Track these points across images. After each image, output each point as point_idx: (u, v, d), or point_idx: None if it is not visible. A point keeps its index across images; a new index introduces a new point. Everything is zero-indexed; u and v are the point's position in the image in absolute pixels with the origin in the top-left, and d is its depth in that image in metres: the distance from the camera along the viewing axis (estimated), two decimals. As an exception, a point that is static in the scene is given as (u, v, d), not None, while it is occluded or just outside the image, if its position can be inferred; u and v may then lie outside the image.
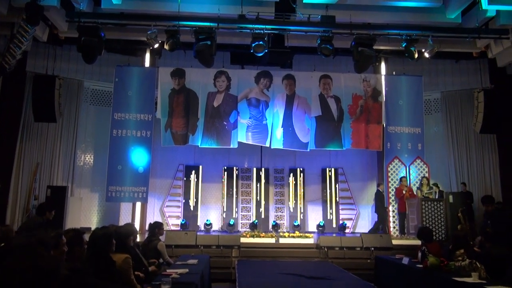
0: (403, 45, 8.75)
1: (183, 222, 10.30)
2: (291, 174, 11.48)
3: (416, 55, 8.73)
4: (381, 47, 9.88)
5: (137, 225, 9.60)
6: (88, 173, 10.93)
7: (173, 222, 10.98)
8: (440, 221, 8.77)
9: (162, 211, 11.13)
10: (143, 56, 10.74)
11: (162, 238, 6.35)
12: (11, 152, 9.67)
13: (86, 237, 3.41)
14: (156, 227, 6.07)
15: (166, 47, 8.37)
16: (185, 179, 11.27)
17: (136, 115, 9.95)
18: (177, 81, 10.19)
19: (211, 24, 8.36)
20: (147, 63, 10.69)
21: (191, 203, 11.07)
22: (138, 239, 7.17)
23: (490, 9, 8.47)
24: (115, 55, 10.77)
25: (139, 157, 9.80)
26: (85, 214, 10.60)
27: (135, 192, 9.68)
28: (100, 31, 8.23)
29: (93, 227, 9.48)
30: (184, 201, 11.14)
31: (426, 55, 8.88)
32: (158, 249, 5.77)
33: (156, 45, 8.44)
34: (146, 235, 6.33)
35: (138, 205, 10.12)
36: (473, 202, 10.41)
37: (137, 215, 10.09)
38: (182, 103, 10.16)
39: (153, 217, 10.67)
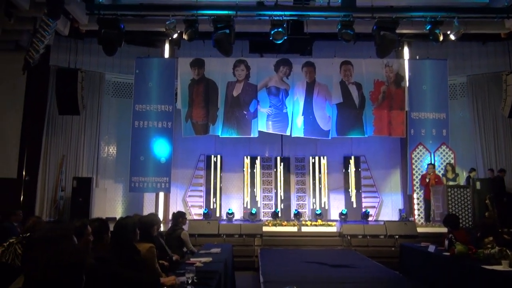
0: (427, 28, 8.44)
1: (205, 212, 10.38)
2: (312, 163, 11.36)
3: (441, 38, 8.42)
4: (404, 31, 9.58)
5: (160, 215, 9.70)
6: (111, 164, 11.11)
7: (196, 211, 11.08)
8: (467, 208, 8.53)
9: (184, 201, 11.24)
10: (162, 47, 10.76)
11: (185, 227, 6.39)
12: (37, 145, 9.92)
13: (111, 226, 3.45)
14: (180, 217, 6.11)
15: (185, 37, 8.36)
16: (206, 169, 11.32)
17: (157, 106, 10.01)
18: (197, 71, 10.18)
19: (229, 12, 8.28)
20: (166, 54, 10.71)
21: (213, 192, 11.12)
22: (161, 229, 7.28)
23: (521, -13, 8.07)
24: (135, 47, 10.82)
25: (160, 148, 9.88)
26: (110, 204, 10.81)
27: (158, 183, 9.79)
28: (119, 23, 8.28)
29: (118, 217, 9.64)
30: (206, 190, 11.21)
31: (452, 37, 8.55)
32: (181, 238, 5.82)
33: (175, 35, 8.44)
34: (170, 225, 6.39)
35: (161, 195, 10.23)
36: (505, 189, 10.02)
37: (160, 205, 10.20)
38: (202, 93, 10.15)
39: (176, 207, 10.78)
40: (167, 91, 10.12)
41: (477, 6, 8.75)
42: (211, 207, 10.94)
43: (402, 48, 10.77)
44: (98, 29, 8.25)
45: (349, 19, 8.22)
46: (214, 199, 11.08)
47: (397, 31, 8.51)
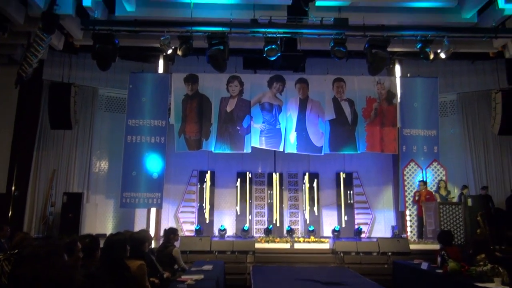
0: (418, 46, 8.62)
1: (197, 228, 10.28)
2: (305, 179, 11.36)
3: (432, 56, 8.60)
4: (395, 49, 9.76)
5: (151, 231, 9.60)
6: (103, 179, 11.01)
7: (188, 228, 10.96)
8: (459, 225, 8.56)
9: (176, 217, 11.13)
10: (156, 62, 10.81)
11: (176, 244, 6.32)
12: (28, 160, 9.81)
13: (102, 243, 3.40)
14: (172, 233, 6.05)
15: (179, 52, 8.42)
16: (199, 184, 11.26)
17: (150, 121, 10.00)
18: (190, 87, 10.22)
19: (224, 29, 8.38)
20: (160, 69, 10.76)
21: (205, 208, 11.04)
22: (153, 245, 7.19)
23: (507, 8, 8.30)
24: (129, 62, 10.87)
25: (153, 163, 9.83)
26: (101, 220, 10.66)
27: (150, 198, 9.70)
28: (114, 38, 8.34)
29: (109, 233, 9.53)
30: (198, 206, 11.12)
31: (442, 56, 8.72)
32: (173, 255, 5.75)
33: (169, 51, 8.48)
34: (161, 241, 6.32)
35: (153, 211, 10.13)
36: (493, 206, 10.10)
37: (151, 221, 10.09)
38: (195, 108, 10.18)
39: (167, 223, 10.68)
40: (160, 106, 10.13)
41: (466, 26, 8.95)
42: (205, 222, 10.84)
43: (394, 66, 10.95)
44: (93, 44, 8.29)
45: (342, 37, 8.37)
46: (207, 215, 10.98)
47: (389, 49, 8.69)
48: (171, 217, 11.10)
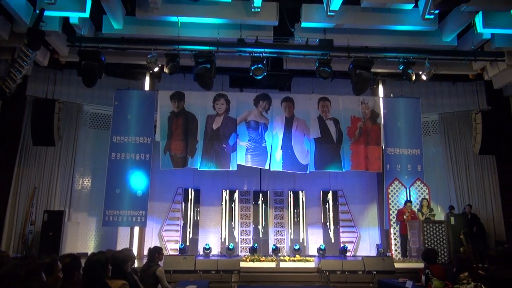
0: (400, 68, 8.85)
1: (181, 247, 10.12)
2: (291, 197, 11.37)
3: (414, 78, 8.83)
4: (379, 70, 10.00)
5: (135, 250, 9.42)
6: (86, 197, 10.81)
7: (172, 246, 10.78)
8: (443, 243, 8.64)
9: (160, 235, 10.95)
10: (143, 79, 10.82)
11: (160, 263, 6.21)
12: (8, 176, 9.59)
13: (83, 262, 3.32)
14: (156, 252, 5.93)
15: (166, 70, 8.47)
16: (183, 202, 11.14)
17: (135, 138, 9.93)
18: (177, 104, 10.23)
19: (211, 48, 8.48)
20: (146, 87, 10.77)
21: (190, 227, 10.90)
22: (136, 265, 7.04)
23: (485, 32, 8.62)
24: (115, 78, 10.86)
25: (137, 181, 9.71)
26: (82, 239, 10.43)
27: (133, 216, 9.55)
28: (100, 55, 8.34)
29: (90, 252, 9.30)
30: (182, 224, 10.98)
31: (423, 77, 8.97)
32: (157, 275, 5.63)
33: (156, 69, 8.52)
34: (145, 260, 6.19)
35: (136, 229, 9.96)
36: (479, 225, 10.22)
37: (135, 240, 9.91)
38: (181, 126, 10.16)
39: (151, 241, 10.50)
40: (146, 123, 10.08)
41: (446, 49, 9.25)
42: (190, 241, 10.69)
43: (377, 86, 11.19)
44: (79, 60, 8.27)
45: (327, 58, 8.55)
46: (191, 233, 10.83)
47: (372, 70, 8.89)
48: (155, 236, 10.92)
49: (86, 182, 10.91)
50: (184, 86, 10.47)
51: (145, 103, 10.23)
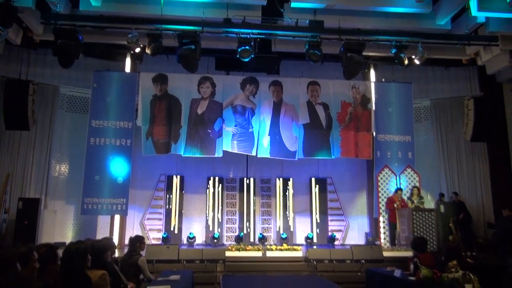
0: (393, 52, 8.88)
1: (164, 236, 10.12)
2: (278, 184, 11.43)
3: (406, 62, 8.87)
4: (370, 54, 9.99)
5: (115, 239, 9.38)
6: (63, 184, 10.68)
7: (154, 235, 10.79)
8: (432, 231, 8.83)
9: (142, 224, 10.93)
10: (123, 60, 10.62)
11: (142, 253, 6.21)
12: (-21, 162, 9.41)
13: (61, 252, 3.30)
14: (138, 241, 5.95)
15: (147, 51, 8.32)
16: (167, 190, 11.11)
17: (115, 122, 9.80)
18: (159, 87, 10.10)
19: (195, 28, 8.36)
20: (127, 68, 10.59)
21: (173, 215, 10.90)
22: (116, 254, 7.03)
23: (480, 16, 8.70)
24: (93, 59, 10.63)
25: (118, 167, 9.63)
26: (60, 228, 10.33)
27: (114, 204, 9.49)
28: (77, 34, 8.15)
29: (68, 241, 9.24)
30: (165, 213, 10.97)
31: (416, 61, 9.02)
32: (138, 265, 5.64)
33: (138, 50, 8.38)
34: (126, 250, 6.19)
35: (117, 218, 9.91)
36: (466, 212, 10.51)
37: (115, 229, 9.85)
38: (164, 110, 10.06)
39: (132, 230, 10.48)
40: (127, 107, 9.95)
41: (440, 32, 9.30)
42: (173, 230, 10.70)
43: (369, 70, 11.22)
44: (54, 39, 8.06)
45: (317, 40, 8.51)
46: (175, 222, 10.84)
47: (364, 53, 8.89)
48: (136, 224, 10.89)
49: (63, 169, 10.77)
50: (167, 68, 10.32)
51: (125, 85, 10.07)
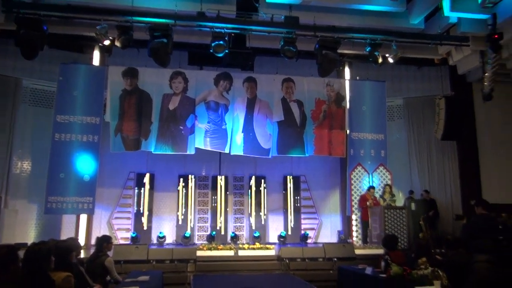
0: (367, 50, 9.05)
1: (133, 235, 9.98)
2: (252, 182, 11.46)
3: (380, 60, 9.06)
4: (345, 51, 10.16)
5: (81, 240, 9.20)
6: (25, 182, 10.34)
7: (123, 235, 10.62)
8: (403, 229, 9.08)
9: (110, 224, 10.74)
10: (91, 53, 10.37)
11: (110, 253, 6.11)
12: None
13: (22, 253, 3.21)
14: (104, 241, 5.85)
15: (117, 44, 8.17)
16: (136, 188, 10.94)
17: (82, 117, 9.57)
18: (129, 82, 9.93)
19: (168, 21, 8.25)
20: (95, 61, 10.35)
21: (143, 214, 10.76)
22: (82, 255, 6.89)
23: (452, 16, 8.98)
24: (59, 51, 10.33)
25: (84, 164, 9.41)
26: (21, 228, 10.00)
27: (80, 203, 9.27)
28: (42, 24, 7.91)
29: (30, 242, 8.97)
30: (135, 212, 10.81)
31: (390, 60, 9.23)
32: (105, 266, 5.55)
33: (107, 42, 8.21)
34: (92, 251, 6.07)
35: (83, 217, 9.70)
36: (436, 209, 10.89)
37: (81, 229, 9.66)
38: (134, 105, 9.90)
39: (99, 230, 10.26)
40: (94, 101, 9.72)
41: (413, 31, 9.55)
42: (143, 229, 10.56)
43: (343, 68, 11.40)
44: (16, 29, 7.79)
45: (292, 36, 8.57)
46: (144, 221, 10.70)
47: (339, 51, 9.02)
48: (103, 224, 10.69)
49: (26, 166, 10.43)
50: (138, 62, 10.16)
51: (93, 79, 9.84)
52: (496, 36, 8.43)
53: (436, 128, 11.16)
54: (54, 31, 8.63)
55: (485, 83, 9.58)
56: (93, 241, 8.32)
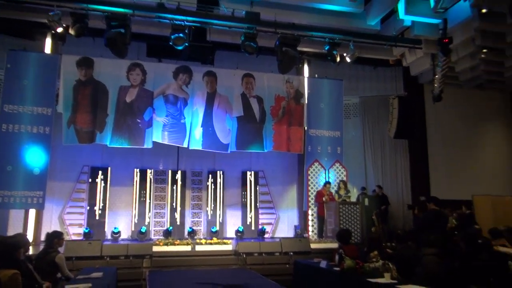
0: (326, 48, 9.23)
1: (86, 231, 9.65)
2: (210, 177, 11.41)
3: (338, 59, 9.27)
4: (305, 49, 10.32)
5: (30, 236, 8.80)
6: (-32, 174, 9.73)
7: (75, 231, 10.24)
8: (356, 224, 9.39)
9: (61, 219, 10.33)
10: (43, 40, 9.89)
11: (61, 249, 5.90)
12: None
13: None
14: (55, 237, 5.64)
15: (71, 32, 7.84)
16: (90, 182, 10.58)
17: (33, 108, 9.12)
18: (84, 72, 9.56)
19: (126, 10, 8.03)
20: (47, 49, 9.87)
21: (97, 209, 10.43)
22: (31, 252, 6.60)
23: (406, 19, 9.35)
24: (7, 37, 9.79)
25: (34, 157, 8.98)
26: (-36, 223, 9.43)
27: (29, 197, 8.84)
28: (-12, 8, 7.43)
29: (-26, 238, 8.47)
30: (88, 207, 10.45)
31: (347, 59, 9.47)
32: (56, 262, 5.35)
33: (60, 29, 7.86)
34: (42, 247, 5.84)
35: (32, 212, 9.28)
36: (389, 205, 11.36)
37: (30, 224, 9.23)
38: (88, 96, 9.56)
39: (50, 226, 9.85)
40: (46, 91, 9.28)
41: (370, 32, 9.84)
42: (96, 225, 10.24)
43: (303, 65, 11.58)
44: (-41, 11, 7.30)
45: (253, 32, 8.59)
46: (98, 216, 10.38)
47: (299, 48, 9.14)
48: (54, 219, 10.26)
49: (-31, 157, 9.81)
50: (94, 52, 9.79)
51: (45, 68, 9.38)
52: (446, 40, 8.85)
53: (390, 127, 11.62)
54: (3, 16, 8.16)
55: (435, 85, 10.06)
56: (43, 237, 7.98)
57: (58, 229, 9.13)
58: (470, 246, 5.50)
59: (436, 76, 9.87)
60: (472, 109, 13.04)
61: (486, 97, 13.26)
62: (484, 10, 8.81)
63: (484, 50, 10.46)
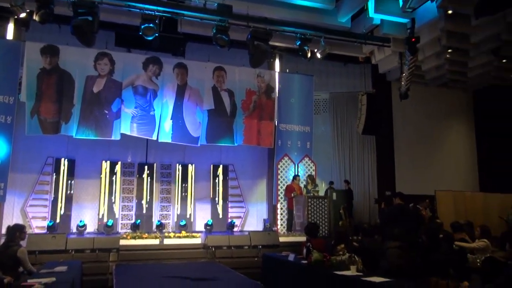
0: (297, 44, 9.27)
1: (50, 224, 9.37)
2: (179, 170, 11.30)
3: (309, 55, 9.34)
4: (276, 44, 10.34)
5: (-10, 229, 8.46)
6: None
7: (38, 224, 9.92)
8: (324, 218, 9.57)
9: (24, 212, 9.97)
10: (4, 26, 9.43)
11: (23, 243, 5.71)
12: None
13: None
14: (17, 231, 5.48)
15: (35, 18, 7.49)
16: (54, 174, 10.26)
17: (-7, 96, 8.73)
18: (49, 60, 9.23)
19: (94, -3, 7.75)
20: (9, 35, 9.44)
21: (62, 201, 10.14)
22: (-10, 245, 6.34)
23: (376, 18, 9.53)
24: (-34, 21, 9.30)
25: (-5, 147, 8.63)
26: None
27: (-11, 189, 8.50)
28: None
29: None
30: (52, 199, 10.14)
31: (318, 55, 9.55)
32: (17, 256, 5.19)
33: (23, 15, 7.52)
34: (3, 241, 5.63)
35: (-8, 204, 8.92)
36: (354, 199, 11.63)
37: (-10, 217, 8.88)
38: (53, 85, 9.23)
39: (12, 218, 9.50)
40: (8, 79, 8.89)
41: (341, 29, 9.96)
42: (61, 218, 9.96)
43: (274, 60, 11.61)
44: None
45: (225, 25, 8.50)
46: (63, 209, 10.10)
47: (270, 43, 9.14)
48: (16, 212, 9.90)
49: None
50: (59, 39, 9.46)
51: (7, 55, 8.98)
52: (413, 39, 9.07)
53: (358, 123, 11.87)
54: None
55: (402, 83, 10.32)
56: (3, 231, 7.70)
57: (20, 222, 8.84)
58: (431, 240, 5.72)
59: (403, 74, 10.13)
60: (437, 107, 13.51)
61: (450, 96, 13.77)
62: (450, 12, 9.10)
63: (449, 50, 10.83)
